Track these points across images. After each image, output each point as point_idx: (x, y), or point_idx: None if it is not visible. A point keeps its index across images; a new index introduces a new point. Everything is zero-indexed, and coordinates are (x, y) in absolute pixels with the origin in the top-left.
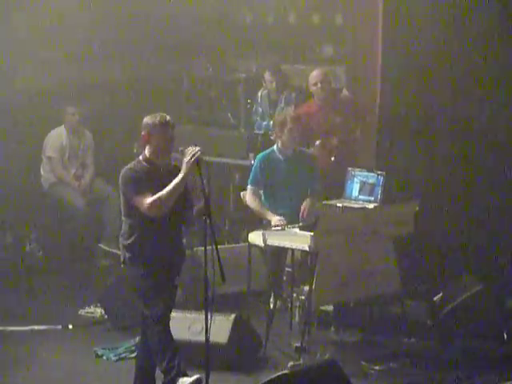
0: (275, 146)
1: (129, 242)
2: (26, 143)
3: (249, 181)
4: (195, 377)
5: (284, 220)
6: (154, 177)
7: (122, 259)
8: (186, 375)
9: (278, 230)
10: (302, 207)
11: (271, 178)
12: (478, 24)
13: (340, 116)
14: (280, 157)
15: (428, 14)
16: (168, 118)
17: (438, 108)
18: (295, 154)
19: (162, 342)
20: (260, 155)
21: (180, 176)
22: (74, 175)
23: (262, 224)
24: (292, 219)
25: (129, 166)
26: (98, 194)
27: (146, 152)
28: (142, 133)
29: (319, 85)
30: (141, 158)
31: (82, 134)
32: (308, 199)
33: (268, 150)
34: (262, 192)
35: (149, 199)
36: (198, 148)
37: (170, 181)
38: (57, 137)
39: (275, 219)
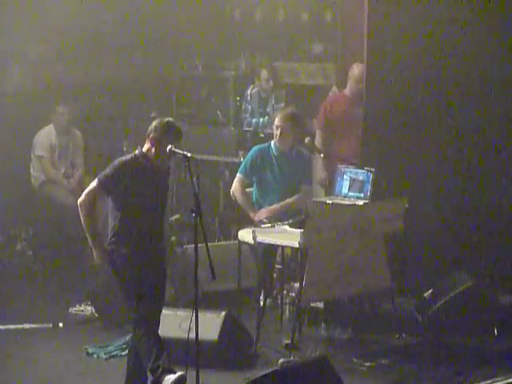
0: (272, 142)
1: (115, 234)
2: (16, 142)
3: (239, 169)
4: (178, 374)
5: (266, 211)
6: (145, 173)
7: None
8: (173, 372)
9: (267, 227)
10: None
11: (263, 172)
12: (466, 19)
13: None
14: (275, 152)
15: (416, 11)
16: (182, 131)
17: (426, 104)
18: (291, 153)
19: (146, 343)
20: (256, 147)
21: (94, 252)
22: (63, 174)
23: (251, 221)
24: (280, 215)
25: (124, 158)
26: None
27: (145, 149)
28: (151, 135)
29: (360, 80)
30: (137, 152)
31: (71, 133)
32: (295, 196)
33: (265, 144)
34: (253, 184)
35: (86, 195)
36: None
37: (158, 180)
38: (46, 136)
39: (257, 215)
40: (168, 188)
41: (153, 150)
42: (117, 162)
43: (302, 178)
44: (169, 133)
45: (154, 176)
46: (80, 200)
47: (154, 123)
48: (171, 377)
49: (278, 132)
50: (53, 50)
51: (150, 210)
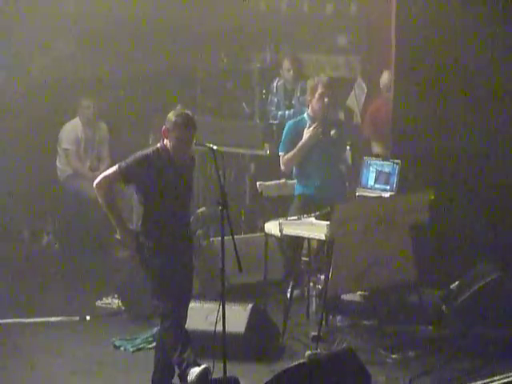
0: (305, 113)
1: (142, 227)
2: (42, 136)
3: (280, 149)
4: (203, 366)
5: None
6: (167, 166)
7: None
8: (198, 365)
9: (293, 219)
10: None
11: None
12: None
13: None
14: (310, 123)
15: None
16: (190, 119)
17: (455, 94)
18: (326, 121)
19: (172, 336)
20: (290, 122)
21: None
22: (89, 167)
23: (278, 213)
24: (324, 188)
25: (145, 152)
26: None
27: (167, 143)
28: (164, 126)
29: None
30: (159, 145)
31: (97, 126)
32: None
33: (298, 117)
34: None
35: (103, 177)
36: None
37: (182, 172)
38: (72, 129)
39: (309, 132)
40: (192, 180)
41: (167, 142)
42: (139, 154)
43: (341, 145)
44: (176, 123)
45: (177, 168)
46: (96, 181)
47: (168, 116)
48: (196, 370)
49: (326, 99)
50: (77, 43)
51: (174, 203)
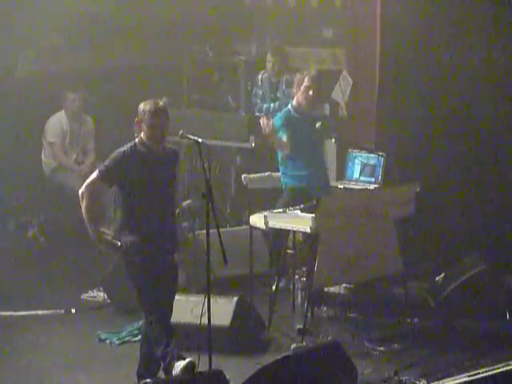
0: (289, 105)
1: (121, 223)
2: (27, 129)
3: (278, 128)
4: (187, 360)
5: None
6: (147, 160)
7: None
8: (182, 359)
9: (279, 212)
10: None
11: (292, 136)
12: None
13: None
14: (296, 115)
15: None
16: (160, 104)
17: (439, 88)
18: (310, 114)
19: (156, 331)
20: (279, 115)
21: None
22: (74, 160)
23: (263, 206)
24: (314, 180)
25: (123, 148)
26: None
27: (142, 136)
28: (136, 118)
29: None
30: (137, 141)
31: (82, 119)
32: None
33: (283, 110)
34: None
35: (86, 186)
36: None
37: (163, 166)
38: (57, 122)
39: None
40: (177, 173)
41: (142, 134)
42: (116, 152)
43: (325, 136)
44: (146, 111)
45: (157, 161)
46: (81, 191)
47: (138, 107)
48: (180, 363)
49: (311, 92)
50: (63, 37)
51: (156, 196)
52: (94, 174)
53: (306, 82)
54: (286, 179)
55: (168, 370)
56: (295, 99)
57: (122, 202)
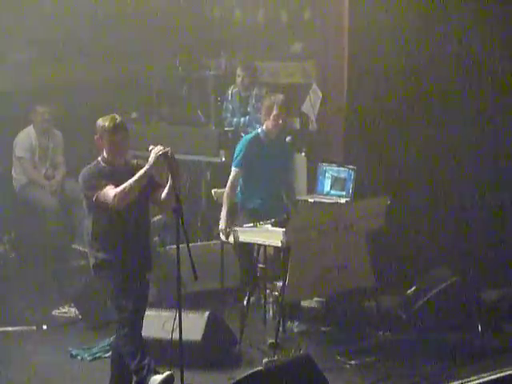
0: (260, 129)
1: (92, 237)
2: None
3: (235, 162)
4: (166, 373)
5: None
6: (112, 176)
7: (91, 263)
8: (157, 373)
9: (249, 226)
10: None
11: (254, 160)
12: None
13: None
14: (265, 140)
15: (396, 6)
16: (118, 120)
17: (408, 101)
18: (278, 140)
19: (130, 344)
20: (247, 137)
21: (143, 169)
22: (44, 175)
23: (234, 221)
24: (268, 204)
25: (88, 166)
26: (69, 195)
27: (104, 153)
28: (95, 136)
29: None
30: (99, 158)
31: (51, 133)
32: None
33: (253, 133)
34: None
35: (113, 191)
36: (161, 147)
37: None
38: (26, 137)
39: (222, 228)
40: (148, 187)
41: (104, 151)
42: (84, 171)
43: (288, 166)
44: (105, 127)
45: (123, 178)
46: (113, 205)
47: (96, 123)
48: (158, 377)
49: (280, 120)
50: (32, 51)
51: (125, 212)
52: (105, 192)
53: (275, 111)
54: (241, 199)
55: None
56: (265, 125)
57: (91, 217)
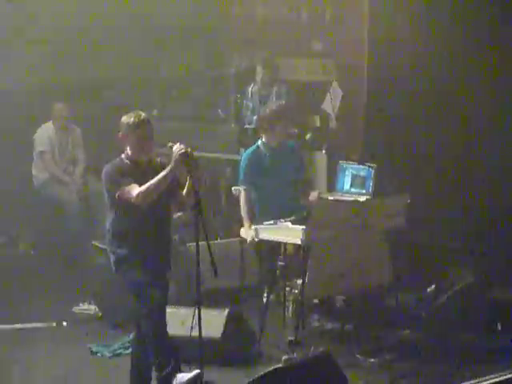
0: (259, 142)
1: (113, 233)
2: (16, 142)
3: (240, 182)
4: (195, 372)
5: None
6: (136, 174)
7: (111, 260)
8: (181, 371)
9: (269, 224)
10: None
11: (259, 174)
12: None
13: None
14: (265, 152)
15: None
16: (143, 116)
17: (428, 99)
18: (280, 147)
19: (156, 337)
20: (247, 153)
21: (168, 168)
22: (64, 171)
23: (254, 218)
24: (283, 213)
25: (111, 163)
26: (90, 191)
27: (128, 150)
28: (120, 133)
29: None
30: (123, 156)
31: (70, 129)
32: (313, 192)
33: (253, 147)
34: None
35: (137, 189)
36: (183, 146)
37: (153, 177)
38: (45, 132)
39: (246, 234)
40: (170, 185)
41: (128, 148)
42: (108, 167)
43: (297, 168)
44: (130, 124)
45: (146, 175)
46: (136, 203)
47: (120, 121)
48: (186, 374)
49: (276, 129)
50: (50, 48)
51: (147, 210)
52: (128, 190)
53: (276, 122)
54: (259, 217)
55: (166, 380)
56: (264, 137)
57: (111, 214)
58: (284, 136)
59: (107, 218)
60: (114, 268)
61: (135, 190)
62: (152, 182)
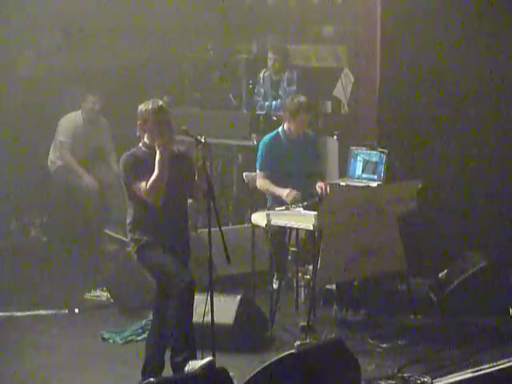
0: (280, 129)
1: (133, 222)
2: (29, 128)
3: (257, 167)
4: (208, 359)
5: (295, 192)
6: (153, 161)
7: (132, 249)
8: (196, 358)
9: (281, 209)
10: (320, 186)
11: (277, 161)
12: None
13: None
14: (285, 140)
15: None
16: (160, 103)
17: (441, 84)
18: (299, 136)
19: (184, 316)
20: (265, 139)
21: (158, 157)
22: (88, 161)
23: (265, 204)
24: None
25: (129, 151)
26: (102, 180)
27: (146, 138)
28: (138, 121)
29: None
30: (141, 144)
31: (98, 121)
32: (320, 183)
33: (272, 134)
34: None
35: (143, 188)
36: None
37: (172, 166)
38: (71, 122)
39: (287, 193)
40: (188, 172)
41: (146, 136)
42: (124, 157)
43: (315, 159)
44: (149, 111)
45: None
46: (149, 199)
47: (138, 110)
48: (199, 361)
49: (304, 124)
50: (65, 36)
51: (166, 198)
52: (138, 187)
53: (300, 115)
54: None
55: (179, 365)
56: (286, 125)
57: (131, 202)
58: (305, 127)
59: (128, 208)
60: (136, 256)
61: (142, 189)
62: (154, 174)
